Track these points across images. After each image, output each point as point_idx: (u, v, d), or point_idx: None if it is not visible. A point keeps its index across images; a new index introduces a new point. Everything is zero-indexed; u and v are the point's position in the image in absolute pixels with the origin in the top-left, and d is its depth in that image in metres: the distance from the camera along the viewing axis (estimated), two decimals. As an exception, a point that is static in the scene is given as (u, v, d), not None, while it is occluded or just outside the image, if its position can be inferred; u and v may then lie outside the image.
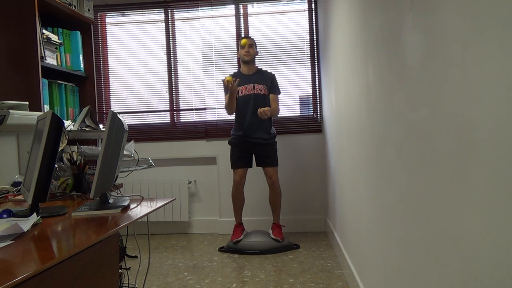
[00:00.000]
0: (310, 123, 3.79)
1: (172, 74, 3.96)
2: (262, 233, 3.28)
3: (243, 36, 3.62)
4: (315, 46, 3.80)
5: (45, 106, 2.54)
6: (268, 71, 3.43)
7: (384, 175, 1.52)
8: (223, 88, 3.36)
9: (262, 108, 3.12)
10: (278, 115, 3.45)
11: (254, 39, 3.38)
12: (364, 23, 1.78)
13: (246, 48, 3.28)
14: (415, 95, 1.13)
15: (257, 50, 3.41)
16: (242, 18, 3.89)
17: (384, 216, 1.55)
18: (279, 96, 3.37)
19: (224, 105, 3.32)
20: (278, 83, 3.38)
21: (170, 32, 3.96)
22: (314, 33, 3.80)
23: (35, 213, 1.26)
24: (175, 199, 3.73)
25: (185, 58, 3.96)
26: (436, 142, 0.99)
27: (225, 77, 3.17)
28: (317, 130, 3.76)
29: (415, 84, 1.13)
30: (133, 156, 2.15)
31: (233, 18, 3.89)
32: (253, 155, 3.32)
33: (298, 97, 3.87)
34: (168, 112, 3.97)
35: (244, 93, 3.28)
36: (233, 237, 3.25)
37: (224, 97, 3.33)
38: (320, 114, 3.77)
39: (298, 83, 3.84)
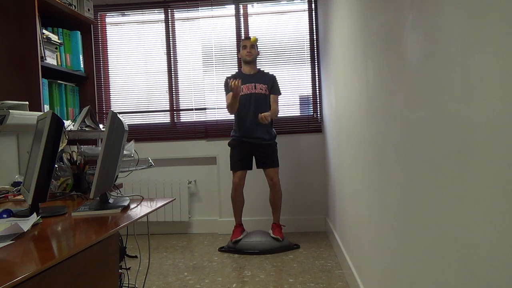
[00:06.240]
0: (310, 123, 3.79)
1: (172, 74, 3.96)
2: (262, 233, 3.28)
3: (245, 37, 3.62)
4: (315, 46, 3.80)
5: (45, 106, 2.54)
6: (270, 73, 3.44)
7: (384, 175, 1.52)
8: (224, 88, 3.36)
9: (263, 114, 3.09)
10: (278, 115, 3.44)
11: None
12: (364, 23, 1.78)
13: (248, 48, 3.28)
14: (415, 95, 1.13)
15: (258, 50, 3.41)
16: (242, 18, 3.89)
17: (384, 216, 1.55)
18: (279, 97, 3.37)
19: (226, 105, 3.29)
20: (279, 84, 3.38)
21: (170, 32, 3.96)
22: (314, 33, 3.80)
23: (35, 213, 1.26)
24: (175, 199, 3.73)
25: (185, 58, 3.96)
26: (436, 142, 0.99)
27: (235, 80, 3.04)
28: (317, 130, 3.76)
29: (415, 84, 1.13)
30: (133, 156, 2.15)
31: (233, 18, 3.89)
32: (253, 156, 3.32)
33: (298, 97, 3.87)
34: (168, 112, 3.97)
35: (245, 92, 3.26)
36: (233, 237, 3.26)
37: (225, 97, 3.32)
38: (320, 114, 3.77)
39: (298, 83, 3.84)
